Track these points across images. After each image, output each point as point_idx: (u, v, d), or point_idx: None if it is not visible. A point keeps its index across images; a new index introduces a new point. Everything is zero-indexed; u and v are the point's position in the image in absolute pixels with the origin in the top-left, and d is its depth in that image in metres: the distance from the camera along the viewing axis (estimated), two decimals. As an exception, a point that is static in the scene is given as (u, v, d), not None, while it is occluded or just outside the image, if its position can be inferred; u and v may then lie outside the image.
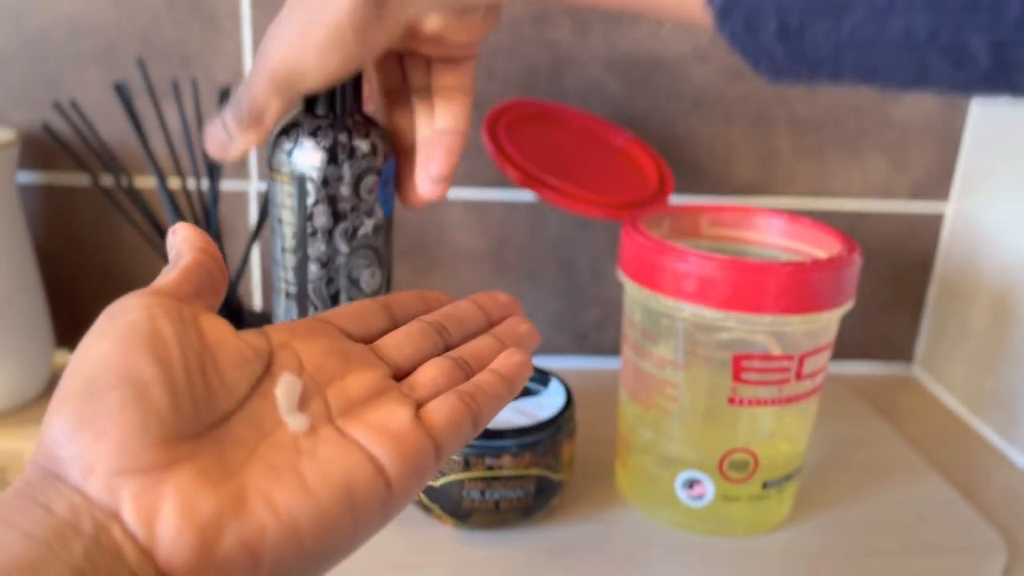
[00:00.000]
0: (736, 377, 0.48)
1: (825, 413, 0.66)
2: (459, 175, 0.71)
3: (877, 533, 0.54)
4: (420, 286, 0.73)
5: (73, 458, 0.23)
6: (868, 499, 0.57)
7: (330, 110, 0.46)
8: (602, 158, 0.66)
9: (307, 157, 0.45)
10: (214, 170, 0.62)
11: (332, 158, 0.45)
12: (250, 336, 0.29)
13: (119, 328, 0.25)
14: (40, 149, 0.68)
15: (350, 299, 0.48)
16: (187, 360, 0.25)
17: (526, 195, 0.72)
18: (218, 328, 0.28)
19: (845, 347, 0.77)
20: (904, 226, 0.75)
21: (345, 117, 0.46)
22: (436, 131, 0.43)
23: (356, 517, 0.26)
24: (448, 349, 0.33)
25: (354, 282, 0.47)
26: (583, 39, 0.68)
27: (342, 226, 0.46)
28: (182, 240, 0.31)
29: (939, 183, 0.74)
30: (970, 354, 0.71)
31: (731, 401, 0.49)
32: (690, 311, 0.47)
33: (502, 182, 0.71)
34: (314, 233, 0.46)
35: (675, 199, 0.72)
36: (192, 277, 0.29)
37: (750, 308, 0.46)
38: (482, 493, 0.50)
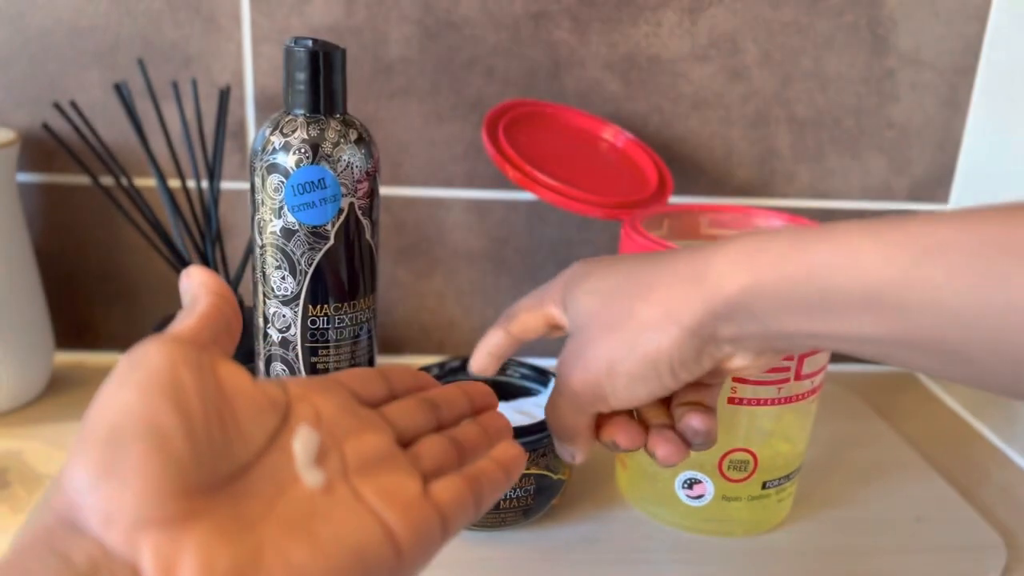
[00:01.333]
0: (735, 377, 0.48)
1: (825, 413, 0.66)
2: (458, 175, 0.71)
3: (877, 533, 0.54)
4: (420, 286, 0.73)
5: (94, 507, 0.23)
6: (868, 499, 0.57)
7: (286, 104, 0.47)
8: (601, 158, 0.66)
9: (257, 142, 0.47)
10: (214, 170, 0.62)
11: (263, 149, 0.46)
12: (268, 386, 0.29)
13: (141, 377, 0.25)
14: (40, 149, 0.68)
15: (263, 295, 0.48)
16: (207, 410, 0.25)
17: (526, 195, 0.72)
18: (236, 376, 0.28)
19: (845, 347, 0.77)
20: (904, 226, 0.75)
21: (287, 114, 0.47)
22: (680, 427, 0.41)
23: None
24: (440, 427, 0.34)
25: (266, 278, 0.48)
26: (583, 39, 0.68)
27: (256, 217, 0.47)
28: (198, 284, 0.31)
29: (939, 184, 0.74)
30: (970, 354, 0.71)
31: (731, 401, 0.49)
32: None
33: (502, 182, 0.71)
34: (252, 218, 0.48)
35: (674, 199, 0.72)
36: (210, 323, 0.29)
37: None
38: (482, 493, 0.50)
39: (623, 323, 0.36)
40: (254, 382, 0.28)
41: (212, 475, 0.25)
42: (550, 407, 0.41)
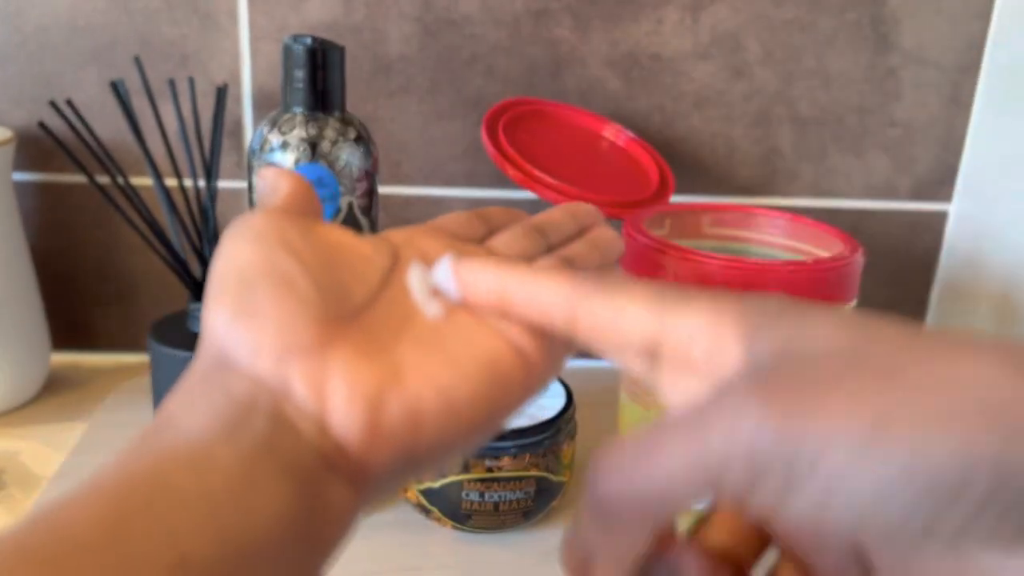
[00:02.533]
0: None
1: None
2: (458, 175, 0.70)
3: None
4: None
5: (239, 343, 0.24)
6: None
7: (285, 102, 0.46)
8: (603, 158, 0.65)
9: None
10: (211, 169, 0.62)
11: (261, 147, 0.46)
12: (372, 238, 0.30)
13: (251, 235, 0.27)
14: (37, 148, 0.67)
15: None
16: (318, 258, 0.27)
17: (526, 195, 0.71)
18: (337, 232, 0.29)
19: (847, 347, 0.77)
20: (907, 225, 0.75)
21: (285, 112, 0.46)
22: None
23: (503, 392, 0.27)
24: (549, 249, 0.34)
25: None
26: (583, 37, 0.68)
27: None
28: (275, 175, 0.32)
29: (942, 182, 0.74)
30: (973, 354, 0.71)
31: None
32: None
33: (502, 182, 0.70)
34: None
35: (676, 198, 0.71)
36: (296, 199, 0.30)
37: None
38: (481, 495, 0.49)
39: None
40: (356, 235, 0.30)
41: (339, 310, 0.26)
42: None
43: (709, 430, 0.21)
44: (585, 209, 0.37)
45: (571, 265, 0.33)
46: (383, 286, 0.28)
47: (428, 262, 0.30)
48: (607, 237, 0.36)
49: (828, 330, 0.22)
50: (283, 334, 0.24)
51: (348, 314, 0.26)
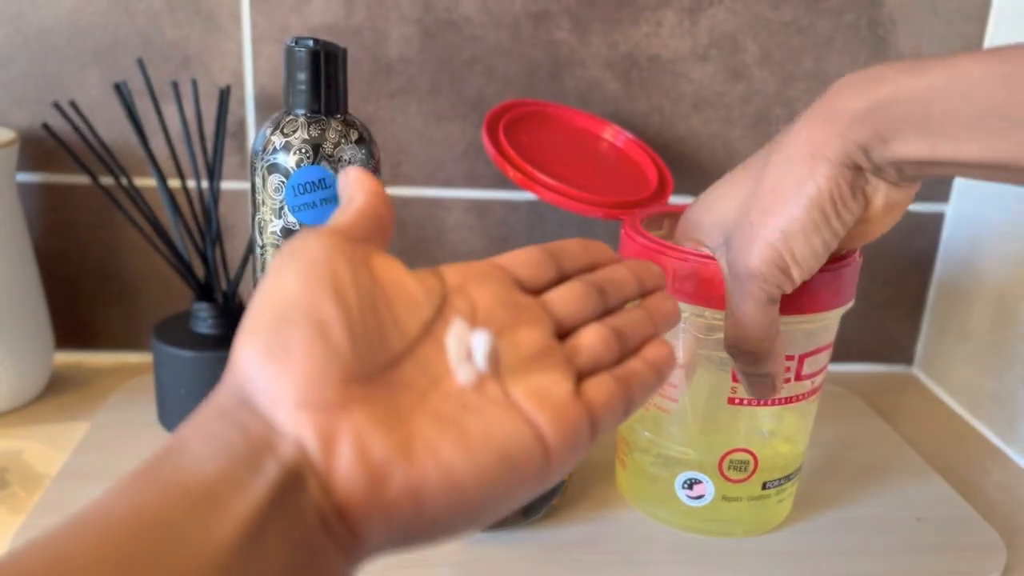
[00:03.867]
0: (735, 377, 0.48)
1: (825, 414, 0.65)
2: (458, 176, 0.71)
3: (877, 533, 0.54)
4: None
5: (262, 389, 0.25)
6: (867, 499, 0.57)
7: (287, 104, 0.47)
8: (602, 158, 0.66)
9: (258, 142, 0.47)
10: (214, 170, 0.62)
11: (263, 149, 0.46)
12: (425, 276, 0.30)
13: (301, 265, 0.26)
14: (40, 149, 0.68)
15: None
16: (362, 301, 0.26)
17: (526, 195, 0.72)
18: (391, 268, 0.29)
19: (844, 348, 0.77)
20: (904, 226, 0.75)
21: (287, 113, 0.46)
22: None
23: (515, 479, 0.26)
24: (606, 312, 0.34)
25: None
26: (583, 39, 0.68)
27: (257, 217, 0.47)
28: (354, 182, 0.31)
29: (939, 183, 0.74)
30: (970, 354, 0.71)
31: (731, 401, 0.49)
32: (690, 311, 0.47)
33: (502, 182, 0.71)
34: (252, 218, 0.48)
35: (675, 199, 0.71)
36: (365, 219, 0.30)
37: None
38: (482, 493, 0.49)
39: (777, 191, 0.40)
40: (409, 273, 0.29)
41: (369, 364, 0.26)
42: (735, 324, 0.43)
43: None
44: (653, 271, 0.37)
45: (620, 337, 0.32)
46: (422, 336, 0.28)
47: (477, 314, 0.29)
48: (666, 309, 0.35)
49: (724, 203, 0.44)
50: (304, 388, 0.24)
51: (378, 368, 0.26)
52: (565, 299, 0.32)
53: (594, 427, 0.29)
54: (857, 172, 0.39)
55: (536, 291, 0.33)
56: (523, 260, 0.33)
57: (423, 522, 0.25)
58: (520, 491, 0.27)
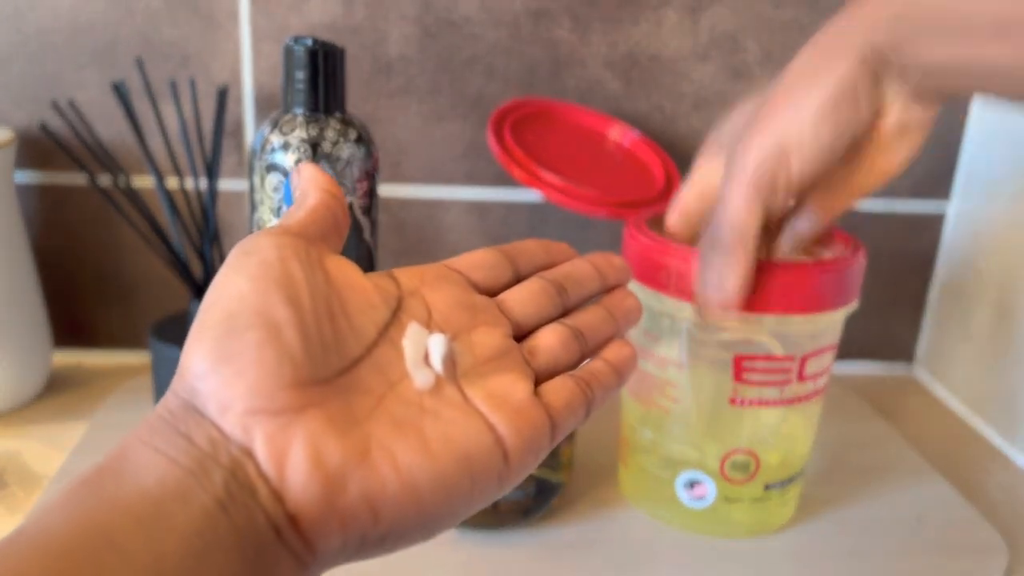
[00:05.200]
0: (737, 378, 0.48)
1: (826, 414, 0.65)
2: (458, 175, 0.70)
3: (878, 534, 0.54)
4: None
5: (210, 394, 0.24)
6: (869, 500, 0.57)
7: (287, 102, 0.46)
8: (608, 157, 0.65)
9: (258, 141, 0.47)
10: (212, 169, 0.62)
11: (262, 148, 0.46)
12: (379, 279, 0.29)
13: (253, 266, 0.25)
14: (38, 149, 0.68)
15: None
16: (316, 303, 0.26)
17: (526, 195, 0.71)
18: (345, 270, 0.28)
19: (846, 347, 0.77)
20: (905, 226, 0.75)
21: (286, 112, 0.46)
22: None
23: (473, 484, 0.26)
24: (565, 311, 0.33)
25: None
26: (583, 38, 0.68)
27: (255, 216, 0.47)
28: (307, 180, 0.30)
29: (940, 182, 0.74)
30: (971, 354, 0.71)
31: (732, 402, 0.49)
32: (692, 311, 0.47)
33: (502, 182, 0.71)
34: (250, 218, 0.48)
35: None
36: (318, 218, 0.29)
37: (752, 308, 0.46)
38: (482, 494, 0.49)
39: (799, 77, 0.39)
40: (364, 276, 0.28)
41: (323, 368, 0.25)
42: (718, 209, 0.41)
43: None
44: (615, 264, 0.35)
45: (579, 337, 0.32)
46: (378, 339, 0.27)
47: (433, 317, 0.29)
48: (627, 306, 0.34)
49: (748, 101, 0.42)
50: (254, 395, 0.23)
51: (333, 372, 0.25)
52: (523, 299, 0.32)
53: (554, 429, 0.29)
54: (877, 73, 0.38)
55: (493, 293, 0.32)
56: (478, 262, 0.32)
57: (380, 529, 0.24)
58: (478, 496, 0.26)
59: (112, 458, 0.23)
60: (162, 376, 0.60)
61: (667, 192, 0.62)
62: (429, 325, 0.29)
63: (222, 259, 0.64)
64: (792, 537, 0.53)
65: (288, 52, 0.46)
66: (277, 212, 0.46)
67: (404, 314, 0.28)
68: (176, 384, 0.25)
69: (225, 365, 0.24)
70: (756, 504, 0.52)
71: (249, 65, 0.67)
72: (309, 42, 0.45)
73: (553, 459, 0.50)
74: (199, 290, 0.61)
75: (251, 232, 0.48)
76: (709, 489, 0.51)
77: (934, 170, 0.74)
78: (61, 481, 0.54)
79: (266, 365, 0.24)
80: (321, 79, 0.46)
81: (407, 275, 0.30)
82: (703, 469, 0.51)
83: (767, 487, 0.51)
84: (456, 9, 0.67)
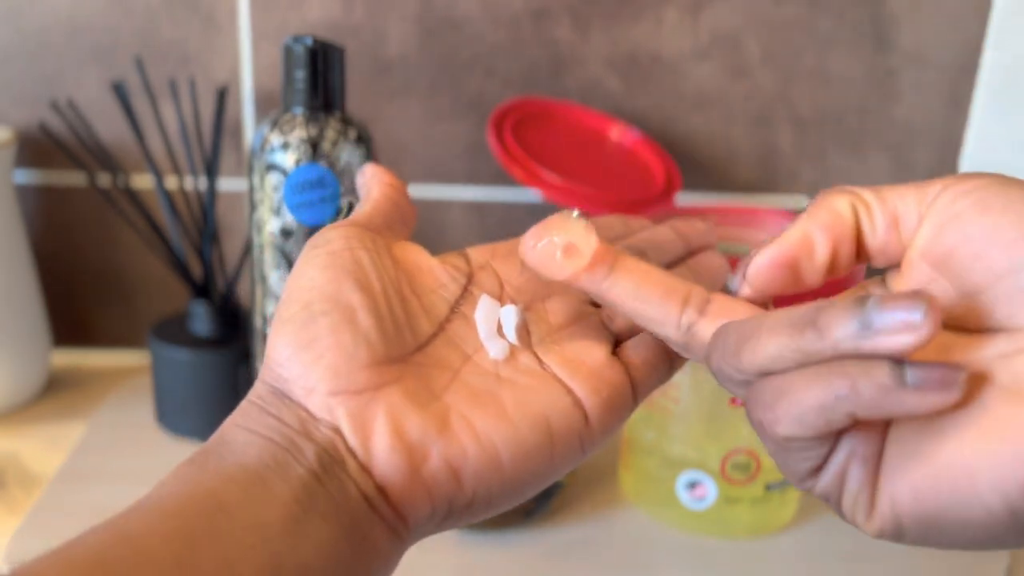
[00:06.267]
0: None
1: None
2: (458, 175, 0.70)
3: (880, 535, 0.54)
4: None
5: (295, 379, 0.25)
6: (870, 500, 0.57)
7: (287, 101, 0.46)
8: (609, 157, 0.65)
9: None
10: (212, 169, 0.62)
11: (261, 148, 0.46)
12: (450, 257, 0.30)
13: (323, 257, 0.27)
14: (37, 148, 0.67)
15: (261, 295, 0.47)
16: (386, 286, 0.27)
17: (526, 195, 0.71)
18: (413, 253, 0.29)
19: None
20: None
21: (285, 112, 0.46)
22: None
23: (554, 447, 0.26)
24: None
25: (264, 278, 0.47)
26: (583, 38, 0.68)
27: (254, 216, 0.47)
28: (370, 176, 0.32)
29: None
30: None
31: (733, 402, 0.49)
32: None
33: (502, 182, 0.70)
34: (249, 217, 0.48)
35: (676, 198, 0.71)
36: (382, 209, 0.30)
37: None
38: (482, 495, 0.49)
39: None
40: (433, 257, 0.29)
41: (398, 347, 0.26)
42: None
43: None
44: (698, 228, 0.34)
45: None
46: (451, 315, 0.28)
47: (506, 290, 0.29)
48: (712, 266, 0.33)
49: None
50: (335, 376, 0.25)
51: (408, 350, 0.26)
52: None
53: (636, 388, 0.29)
54: None
55: None
56: None
57: (465, 496, 0.25)
58: (560, 459, 0.27)
59: (212, 441, 0.25)
60: (162, 376, 0.60)
61: (667, 192, 0.62)
62: (501, 297, 0.29)
63: (221, 259, 0.64)
64: (792, 538, 0.53)
65: (287, 51, 0.46)
66: (276, 211, 0.46)
67: (476, 288, 0.29)
68: (264, 373, 0.26)
69: (305, 351, 0.25)
70: (757, 505, 0.51)
71: (248, 64, 0.67)
72: (309, 41, 0.45)
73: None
74: (198, 290, 0.61)
75: (250, 232, 0.48)
76: (710, 489, 0.51)
77: (936, 170, 0.74)
78: (60, 482, 0.54)
79: (343, 348, 0.25)
80: (321, 78, 0.45)
81: (479, 252, 0.31)
82: (704, 469, 0.51)
83: (768, 487, 0.51)
84: (456, 8, 0.67)
